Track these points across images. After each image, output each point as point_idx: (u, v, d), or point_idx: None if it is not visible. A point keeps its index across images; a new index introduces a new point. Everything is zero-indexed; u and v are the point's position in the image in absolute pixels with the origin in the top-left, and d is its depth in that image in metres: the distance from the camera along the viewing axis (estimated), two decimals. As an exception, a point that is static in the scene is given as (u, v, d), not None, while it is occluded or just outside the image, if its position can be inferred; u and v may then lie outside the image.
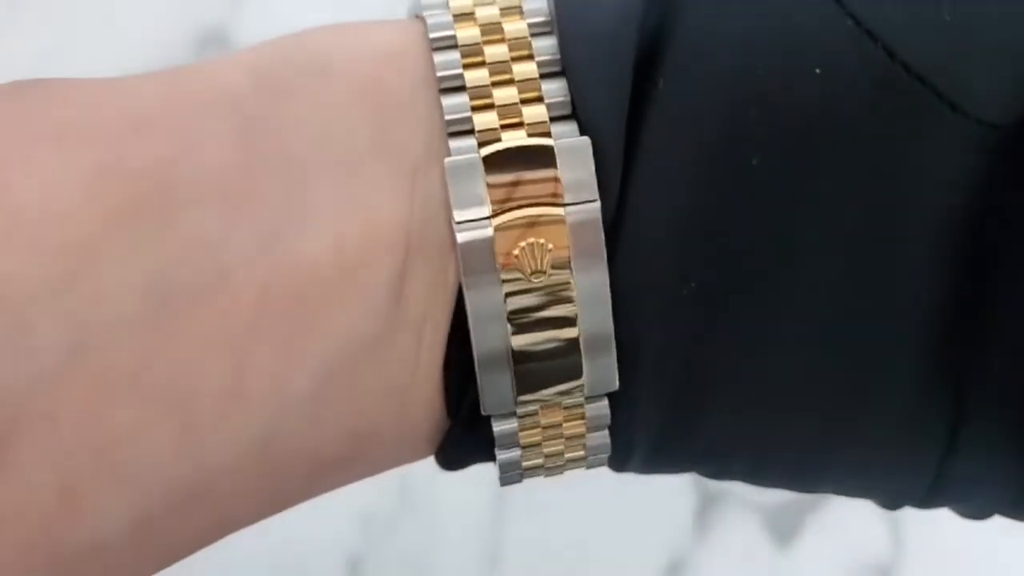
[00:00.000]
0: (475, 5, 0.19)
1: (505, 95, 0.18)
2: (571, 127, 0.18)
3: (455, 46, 0.19)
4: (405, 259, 0.18)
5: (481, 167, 0.18)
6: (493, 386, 0.19)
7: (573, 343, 0.18)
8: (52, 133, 0.17)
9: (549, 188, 0.18)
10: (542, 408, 0.19)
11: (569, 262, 0.18)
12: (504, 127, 0.18)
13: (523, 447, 0.19)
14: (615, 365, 0.19)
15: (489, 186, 0.18)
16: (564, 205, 0.18)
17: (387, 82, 0.19)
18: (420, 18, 0.19)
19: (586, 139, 0.18)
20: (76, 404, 0.17)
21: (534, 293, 0.18)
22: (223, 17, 0.41)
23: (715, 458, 0.20)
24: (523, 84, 0.19)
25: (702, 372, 0.19)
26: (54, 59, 0.39)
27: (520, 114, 0.18)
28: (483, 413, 0.19)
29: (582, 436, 0.20)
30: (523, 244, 0.18)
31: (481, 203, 0.18)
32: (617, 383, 0.19)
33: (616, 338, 0.18)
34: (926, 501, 0.20)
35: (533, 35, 0.19)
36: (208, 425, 0.17)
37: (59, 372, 0.17)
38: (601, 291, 0.18)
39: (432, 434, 0.20)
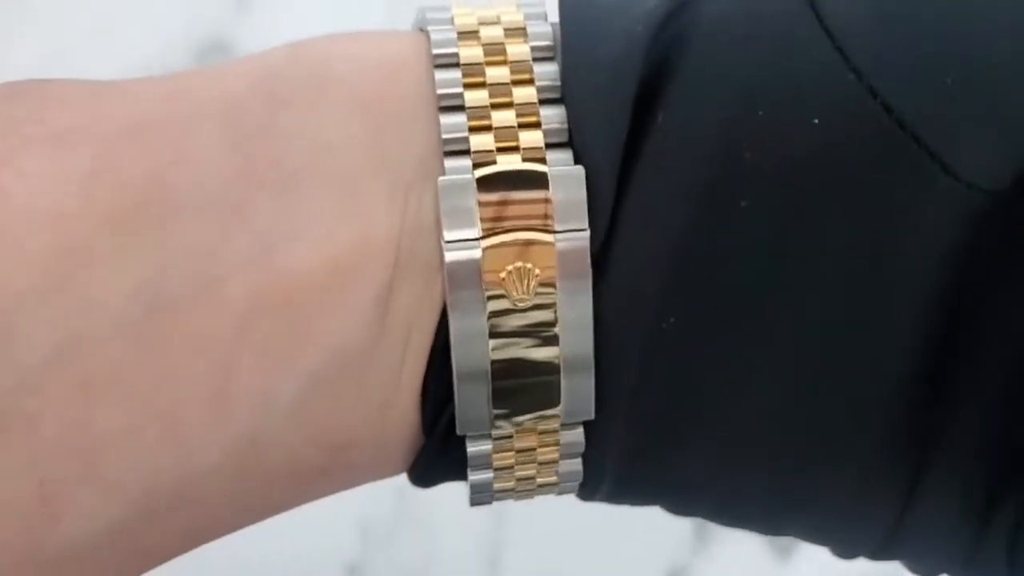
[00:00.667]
0: (480, 24, 0.19)
1: (503, 118, 0.18)
2: (566, 155, 0.18)
3: (457, 64, 0.19)
4: (394, 274, 0.18)
5: (474, 188, 0.18)
6: (470, 406, 0.19)
7: (553, 369, 0.18)
8: (46, 136, 0.17)
9: (540, 213, 0.18)
10: (517, 432, 0.19)
11: (555, 288, 0.18)
12: (500, 150, 0.18)
13: (496, 469, 0.20)
14: (592, 394, 0.19)
15: (480, 207, 0.18)
16: (554, 232, 0.18)
17: (387, 96, 0.19)
18: (424, 32, 0.19)
19: (580, 168, 0.18)
20: (60, 407, 0.17)
21: (517, 316, 0.18)
22: (225, 24, 0.41)
23: (682, 495, 0.20)
24: (522, 108, 0.19)
25: (677, 409, 0.19)
26: (56, 65, 0.39)
27: (517, 138, 0.18)
28: (458, 432, 0.19)
29: (555, 462, 0.20)
30: (510, 268, 0.18)
31: (471, 224, 0.18)
32: (593, 412, 0.19)
33: (595, 367, 0.19)
34: (878, 554, 0.20)
35: (535, 59, 0.19)
36: (192, 430, 0.17)
37: (44, 375, 0.17)
38: (584, 319, 0.18)
39: (407, 450, 0.20)
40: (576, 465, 0.20)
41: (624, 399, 0.19)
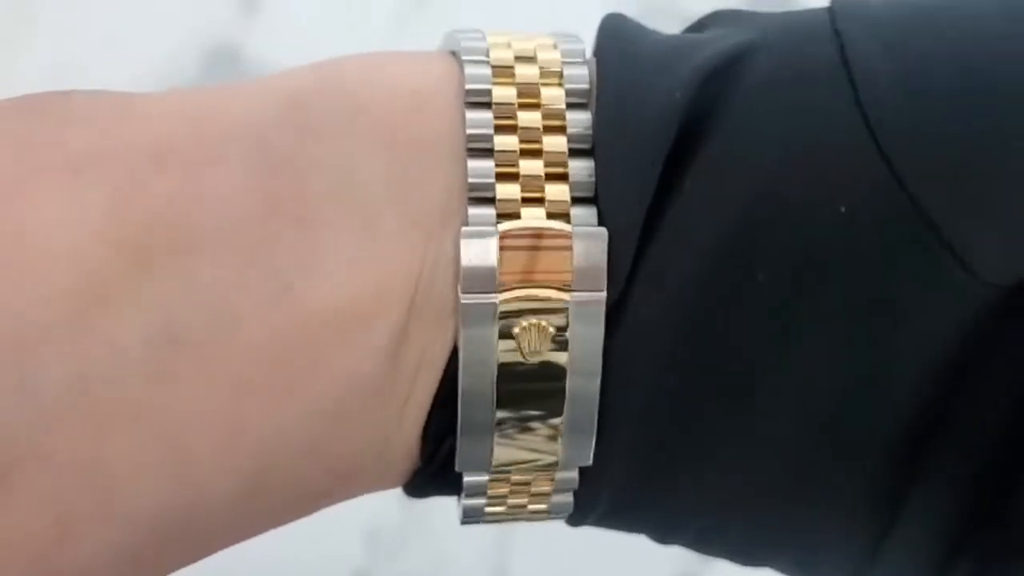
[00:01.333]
0: (516, 60, 0.19)
1: (531, 167, 0.18)
2: (591, 212, 0.18)
3: (489, 104, 0.18)
4: (409, 315, 0.18)
5: (496, 243, 0.18)
6: (471, 451, 0.19)
7: (556, 424, 0.19)
8: (65, 162, 0.17)
9: (559, 274, 0.18)
10: (515, 469, 0.19)
11: (566, 342, 0.18)
12: (525, 200, 0.18)
13: (490, 497, 0.20)
14: (592, 447, 0.19)
15: (501, 263, 0.18)
16: (571, 290, 0.18)
17: (416, 130, 0.18)
18: (458, 58, 0.19)
19: (603, 232, 0.18)
20: (76, 443, 0.17)
21: (527, 368, 0.18)
22: (234, 30, 0.41)
23: (666, 529, 0.21)
24: (551, 157, 0.18)
25: (672, 460, 0.19)
26: (66, 72, 0.40)
27: (543, 189, 0.18)
28: (457, 470, 0.19)
29: (548, 495, 0.20)
30: (525, 324, 0.18)
31: (490, 279, 0.18)
32: (591, 461, 0.19)
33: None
34: None
35: (569, 106, 0.19)
36: (205, 464, 0.18)
37: (61, 411, 0.17)
38: (591, 378, 0.18)
39: (406, 472, 0.20)
40: (568, 498, 0.20)
41: (622, 447, 0.19)
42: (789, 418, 0.19)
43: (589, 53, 0.20)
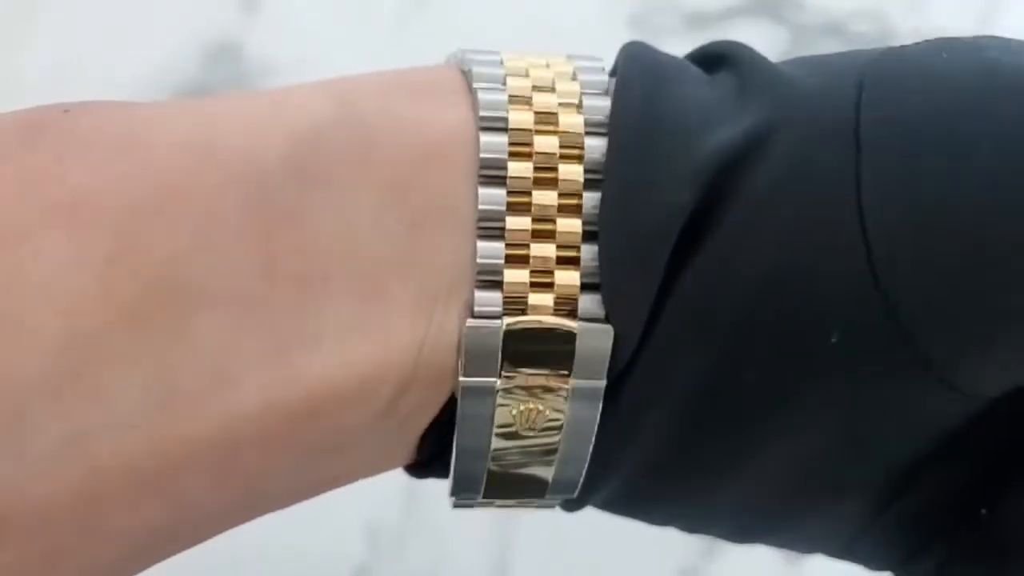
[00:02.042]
0: (535, 132, 0.18)
1: (543, 251, 0.18)
2: (595, 301, 0.18)
3: (504, 180, 0.18)
4: (409, 382, 0.18)
5: (500, 340, 0.18)
6: (463, 496, 0.20)
7: (543, 483, 0.20)
8: (67, 204, 0.17)
9: (561, 364, 0.18)
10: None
11: (561, 424, 0.19)
12: (534, 286, 0.18)
13: (480, 500, 0.20)
14: (575, 492, 0.20)
15: (504, 359, 0.18)
16: (571, 378, 0.18)
17: (427, 195, 0.18)
18: (475, 114, 0.18)
19: (609, 329, 0.18)
20: (68, 500, 0.17)
21: (521, 441, 0.19)
22: (235, 29, 0.41)
23: (658, 522, 0.22)
24: (564, 237, 0.18)
25: (660, 498, 0.21)
26: (67, 70, 0.40)
27: (552, 275, 0.18)
28: (450, 496, 0.20)
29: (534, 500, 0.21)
30: (522, 408, 0.18)
31: (491, 372, 0.18)
32: (575, 496, 0.20)
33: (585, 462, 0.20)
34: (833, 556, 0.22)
35: (586, 187, 0.18)
36: (199, 506, 0.18)
37: (53, 469, 0.17)
38: (582, 452, 0.19)
39: (403, 461, 0.21)
40: (555, 501, 0.21)
41: (613, 477, 0.20)
42: (773, 486, 0.20)
43: (588, 60, 0.20)
